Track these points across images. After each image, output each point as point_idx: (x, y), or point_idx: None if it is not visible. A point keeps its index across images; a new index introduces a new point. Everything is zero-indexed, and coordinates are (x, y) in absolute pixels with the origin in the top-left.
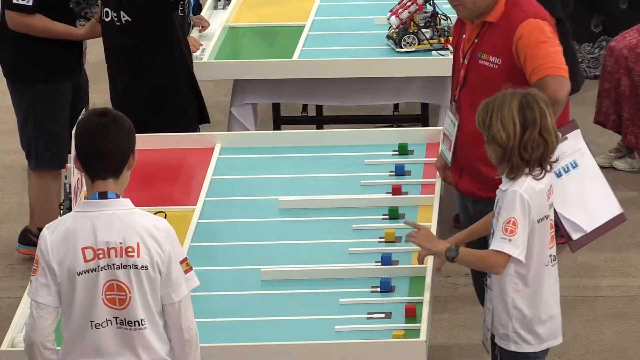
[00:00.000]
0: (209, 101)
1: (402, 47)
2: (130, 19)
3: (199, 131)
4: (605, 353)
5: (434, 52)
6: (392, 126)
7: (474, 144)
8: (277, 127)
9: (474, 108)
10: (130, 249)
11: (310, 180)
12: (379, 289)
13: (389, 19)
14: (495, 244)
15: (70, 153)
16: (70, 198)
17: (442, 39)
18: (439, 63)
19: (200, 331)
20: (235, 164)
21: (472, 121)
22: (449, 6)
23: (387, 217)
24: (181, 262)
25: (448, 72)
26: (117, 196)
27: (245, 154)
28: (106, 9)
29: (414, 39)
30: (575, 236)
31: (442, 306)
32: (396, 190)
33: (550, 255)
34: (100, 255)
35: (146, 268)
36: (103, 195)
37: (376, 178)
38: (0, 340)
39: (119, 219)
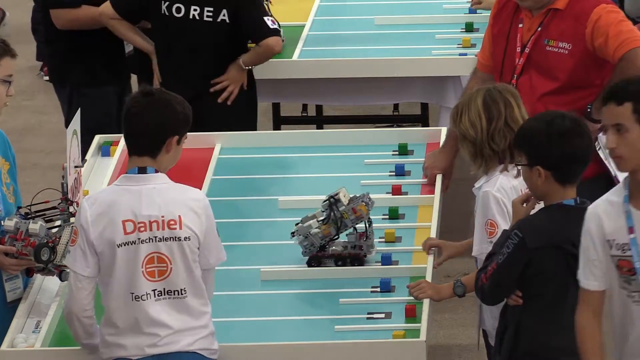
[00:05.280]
0: None
1: None
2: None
3: None
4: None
5: None
6: (392, 126)
7: None
8: (277, 127)
9: (534, 93)
10: (172, 222)
11: (310, 180)
12: (379, 289)
13: None
14: (478, 248)
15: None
16: (67, 197)
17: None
18: (439, 63)
19: None
20: (235, 164)
21: (531, 105)
22: None
23: (387, 217)
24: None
25: (448, 72)
26: (156, 171)
27: (245, 154)
28: (194, 6)
29: None
30: None
31: (442, 306)
32: (396, 190)
33: None
34: (142, 228)
35: (188, 239)
36: (142, 170)
37: (376, 178)
38: None
39: (160, 193)
